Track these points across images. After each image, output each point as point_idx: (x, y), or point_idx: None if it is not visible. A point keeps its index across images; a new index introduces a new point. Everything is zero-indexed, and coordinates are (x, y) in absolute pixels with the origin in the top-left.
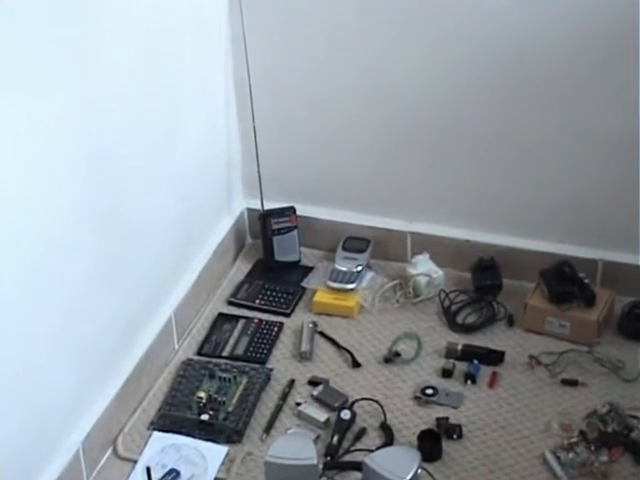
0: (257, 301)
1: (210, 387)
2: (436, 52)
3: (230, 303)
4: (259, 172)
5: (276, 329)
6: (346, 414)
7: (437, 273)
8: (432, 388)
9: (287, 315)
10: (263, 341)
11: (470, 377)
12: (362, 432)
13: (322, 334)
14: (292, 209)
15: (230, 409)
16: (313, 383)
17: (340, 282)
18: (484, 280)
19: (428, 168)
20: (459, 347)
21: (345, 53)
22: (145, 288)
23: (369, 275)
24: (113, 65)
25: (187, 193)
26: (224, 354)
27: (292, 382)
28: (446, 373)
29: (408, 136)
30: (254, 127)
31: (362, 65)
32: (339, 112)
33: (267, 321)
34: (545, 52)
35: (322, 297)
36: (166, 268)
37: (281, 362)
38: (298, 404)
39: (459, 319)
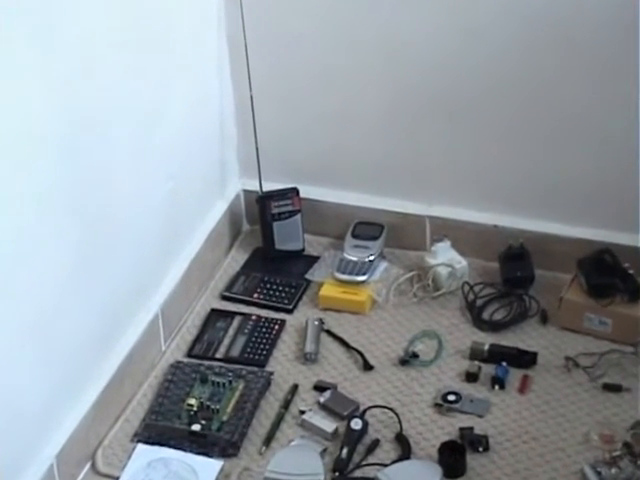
0: (255, 295)
1: (202, 393)
2: (457, 10)
3: (224, 298)
4: (257, 148)
5: (277, 327)
6: (357, 424)
7: (460, 263)
8: (455, 394)
9: (289, 311)
10: (262, 341)
11: (498, 381)
12: (375, 444)
13: (329, 333)
14: (295, 191)
15: (225, 418)
16: (319, 388)
17: (349, 274)
18: (514, 271)
19: (449, 144)
20: (485, 347)
21: (354, 12)
22: (128, 281)
23: (382, 266)
24: (88, 24)
25: (174, 172)
26: (218, 356)
27: (295, 387)
28: (471, 377)
29: (426, 107)
30: (251, 96)
31: (373, 26)
32: (348, 79)
33: (267, 318)
34: (580, 10)
35: (329, 291)
36: (151, 258)
37: (283, 365)
38: (302, 412)
39: (485, 315)
